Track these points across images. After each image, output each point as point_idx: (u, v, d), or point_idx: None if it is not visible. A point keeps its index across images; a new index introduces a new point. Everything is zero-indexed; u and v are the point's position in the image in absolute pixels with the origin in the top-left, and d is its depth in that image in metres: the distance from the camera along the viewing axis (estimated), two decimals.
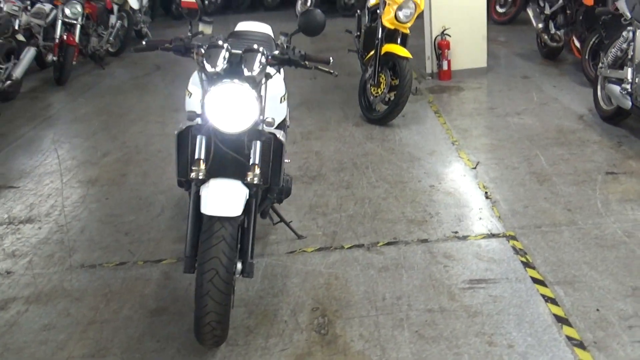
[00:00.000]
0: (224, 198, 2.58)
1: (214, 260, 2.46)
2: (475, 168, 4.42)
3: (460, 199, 3.97)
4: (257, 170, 2.74)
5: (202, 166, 2.74)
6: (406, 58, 5.27)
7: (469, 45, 6.69)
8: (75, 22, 8.34)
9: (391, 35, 5.51)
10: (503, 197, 3.95)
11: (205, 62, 2.69)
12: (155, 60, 9.08)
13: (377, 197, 4.10)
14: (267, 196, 3.17)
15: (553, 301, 2.89)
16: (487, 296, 2.97)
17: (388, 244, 3.52)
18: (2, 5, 7.69)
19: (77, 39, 8.28)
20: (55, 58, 8.08)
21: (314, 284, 3.20)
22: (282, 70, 3.89)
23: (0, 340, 2.96)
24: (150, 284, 3.32)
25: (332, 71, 3.09)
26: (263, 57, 2.73)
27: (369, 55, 5.66)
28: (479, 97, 6.13)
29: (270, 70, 2.88)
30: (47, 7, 8.27)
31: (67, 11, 8.24)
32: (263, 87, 2.83)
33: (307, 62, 2.90)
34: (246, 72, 2.68)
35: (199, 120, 2.73)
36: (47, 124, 6.54)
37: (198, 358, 2.72)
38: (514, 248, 3.36)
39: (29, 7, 8.14)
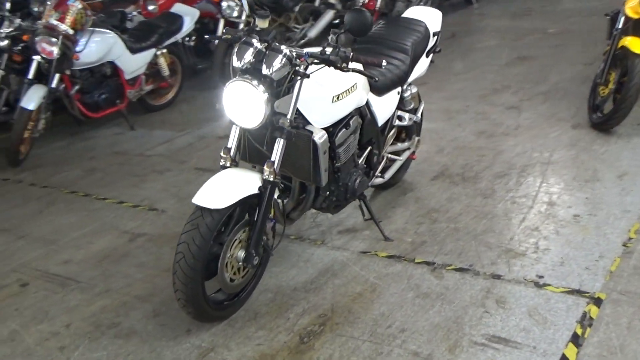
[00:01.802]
0: (213, 190, 2.72)
1: (184, 245, 2.66)
2: None
3: (590, 240, 3.28)
4: (272, 167, 2.79)
5: (228, 155, 2.92)
6: None
7: None
8: None
9: None
10: None
11: (234, 56, 2.80)
12: (456, 28, 9.05)
13: (504, 215, 3.64)
14: (319, 193, 3.17)
15: None
16: None
17: (458, 269, 3.17)
18: None
19: (377, 4, 8.71)
20: None
21: (349, 290, 3.11)
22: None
23: (107, 265, 3.64)
24: None
25: (373, 76, 2.88)
26: (284, 58, 2.71)
27: (606, 49, 4.80)
28: None
29: (312, 68, 2.83)
30: None
31: None
32: (297, 84, 2.80)
33: (345, 65, 2.77)
34: (264, 71, 2.71)
35: None
36: None
37: (197, 326, 2.95)
38: (584, 314, 2.71)
39: None
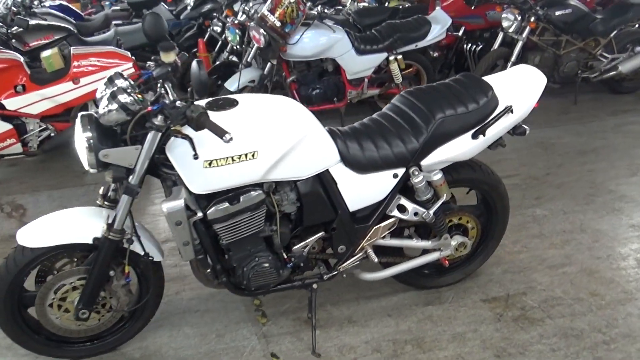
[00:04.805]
0: (41, 226, 2.53)
1: None
2: None
3: None
4: (108, 224, 2.46)
5: (102, 195, 2.66)
6: None
7: None
8: None
9: None
10: None
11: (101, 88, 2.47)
12: None
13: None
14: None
15: None
16: None
17: None
18: None
19: None
20: None
21: None
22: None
23: None
24: None
25: (195, 154, 2.20)
26: (117, 104, 2.27)
27: None
28: None
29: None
30: None
31: None
32: (149, 137, 2.34)
33: (176, 130, 2.21)
34: (99, 112, 2.34)
35: None
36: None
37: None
38: None
39: None
